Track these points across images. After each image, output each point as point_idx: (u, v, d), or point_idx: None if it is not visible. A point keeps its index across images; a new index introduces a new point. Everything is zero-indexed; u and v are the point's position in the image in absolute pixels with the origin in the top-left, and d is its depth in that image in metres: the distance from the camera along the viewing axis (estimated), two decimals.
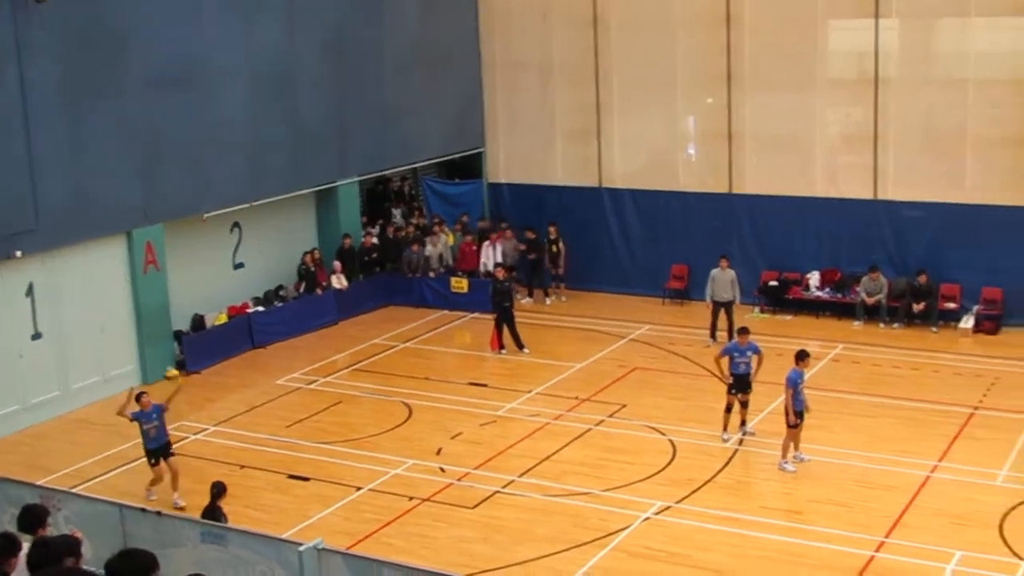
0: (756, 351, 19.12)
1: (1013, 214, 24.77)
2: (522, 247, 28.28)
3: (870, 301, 25.55)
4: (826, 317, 26.02)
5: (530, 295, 28.24)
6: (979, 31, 25.07)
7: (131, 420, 17.48)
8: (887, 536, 15.89)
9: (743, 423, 19.34)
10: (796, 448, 18.24)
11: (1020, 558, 15.11)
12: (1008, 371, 22.43)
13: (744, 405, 19.24)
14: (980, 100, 25.03)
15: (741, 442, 19.08)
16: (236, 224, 25.64)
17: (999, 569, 14.89)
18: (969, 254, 25.23)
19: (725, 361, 19.30)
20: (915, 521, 16.32)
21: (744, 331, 19.40)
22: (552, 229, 28.13)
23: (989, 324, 24.79)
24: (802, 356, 18.30)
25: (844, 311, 25.90)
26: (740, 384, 19.09)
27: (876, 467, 18.12)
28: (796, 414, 17.94)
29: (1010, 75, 24.65)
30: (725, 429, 19.18)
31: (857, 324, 25.55)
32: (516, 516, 16.91)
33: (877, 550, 15.52)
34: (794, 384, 17.96)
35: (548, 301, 28.11)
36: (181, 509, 16.46)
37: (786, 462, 18.14)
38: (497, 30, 29.72)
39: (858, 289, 25.78)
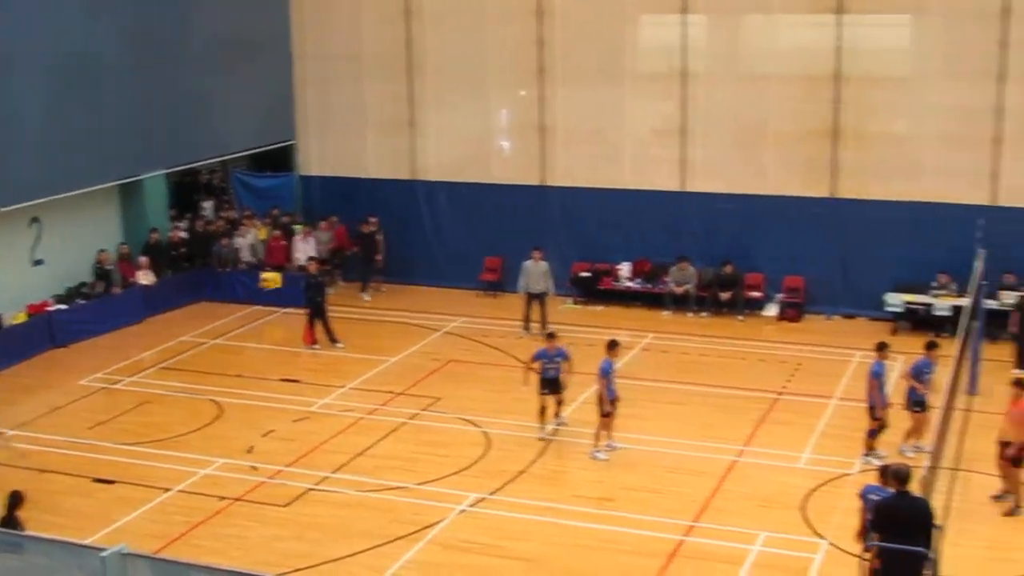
0: (565, 357, 19.08)
1: (812, 205, 25.67)
2: (354, 248, 28.10)
3: (679, 291, 26.14)
4: (636, 307, 26.52)
5: (363, 289, 27.97)
6: (781, 28, 25.88)
7: None
8: (696, 520, 16.24)
9: (557, 414, 19.45)
10: (609, 437, 18.49)
11: (821, 537, 15.63)
12: (810, 357, 23.23)
13: (559, 403, 19.34)
14: (781, 95, 25.82)
15: (555, 432, 19.22)
16: (35, 219, 24.63)
17: (801, 548, 15.38)
18: (772, 244, 26.07)
19: (537, 366, 19.12)
20: (723, 504, 16.74)
21: (552, 336, 19.38)
22: (374, 221, 27.91)
23: (792, 312, 25.66)
24: (613, 345, 18.57)
25: (654, 301, 26.44)
26: (551, 386, 19.06)
27: (686, 453, 18.51)
28: (609, 403, 18.19)
29: (809, 71, 25.45)
30: (543, 428, 19.19)
31: (666, 313, 26.13)
32: (330, 513, 16.69)
33: (687, 534, 15.85)
34: (606, 373, 18.20)
35: (364, 295, 27.86)
36: None
37: (598, 451, 18.37)
38: (308, 20, 29.27)
39: (667, 279, 26.36)
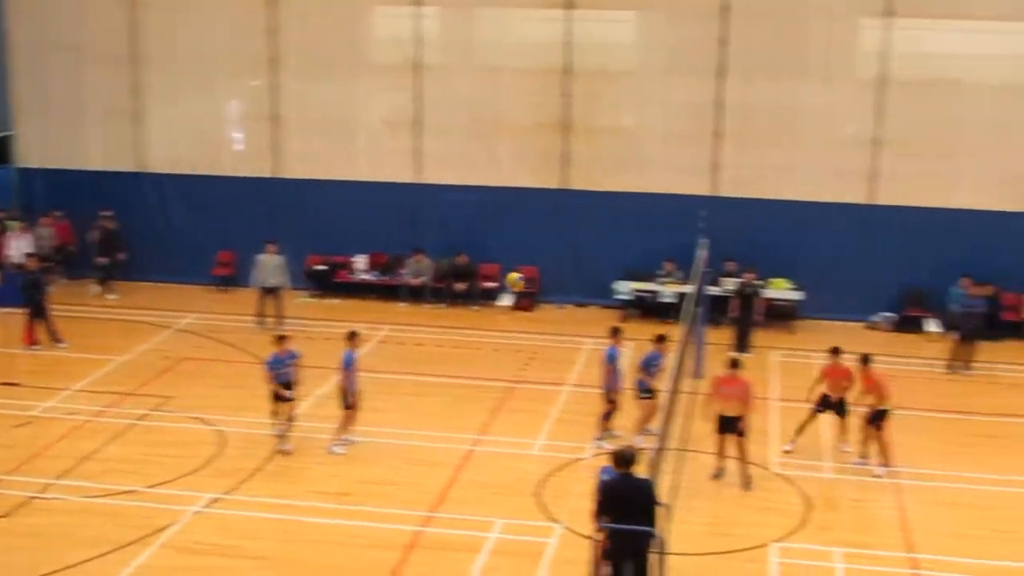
0: (296, 358, 18.36)
1: (545, 196, 26.25)
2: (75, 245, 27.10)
3: (415, 282, 26.24)
4: (373, 299, 26.49)
5: (104, 285, 26.80)
6: (513, 22, 26.32)
7: None
8: (433, 510, 16.30)
9: (290, 419, 18.73)
10: (350, 430, 18.30)
11: (556, 521, 15.95)
12: (544, 346, 23.71)
13: (291, 413, 18.58)
14: (514, 88, 26.27)
15: (290, 428, 18.80)
16: None
17: (536, 533, 15.65)
18: (506, 235, 26.50)
19: (271, 376, 18.26)
20: (460, 494, 16.87)
21: (282, 339, 18.54)
22: (110, 215, 26.83)
23: (526, 301, 26.14)
24: (352, 336, 18.40)
25: (390, 293, 26.48)
26: (285, 390, 18.32)
27: (423, 444, 18.57)
28: (351, 394, 18.05)
29: (540, 65, 25.98)
30: (282, 440, 18.42)
31: (403, 305, 26.22)
32: (55, 521, 15.90)
33: (424, 525, 15.88)
34: (348, 365, 18.05)
35: (109, 295, 26.72)
36: None
37: (336, 444, 18.19)
38: (25, 5, 27.80)
39: (403, 271, 26.43)
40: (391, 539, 15.45)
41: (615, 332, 18.78)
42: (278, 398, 18.24)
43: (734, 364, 17.51)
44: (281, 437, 18.28)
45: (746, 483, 17.22)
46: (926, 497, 17.14)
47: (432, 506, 16.42)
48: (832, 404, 18.40)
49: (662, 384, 17.81)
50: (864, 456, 17.91)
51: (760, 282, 24.24)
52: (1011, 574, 14.90)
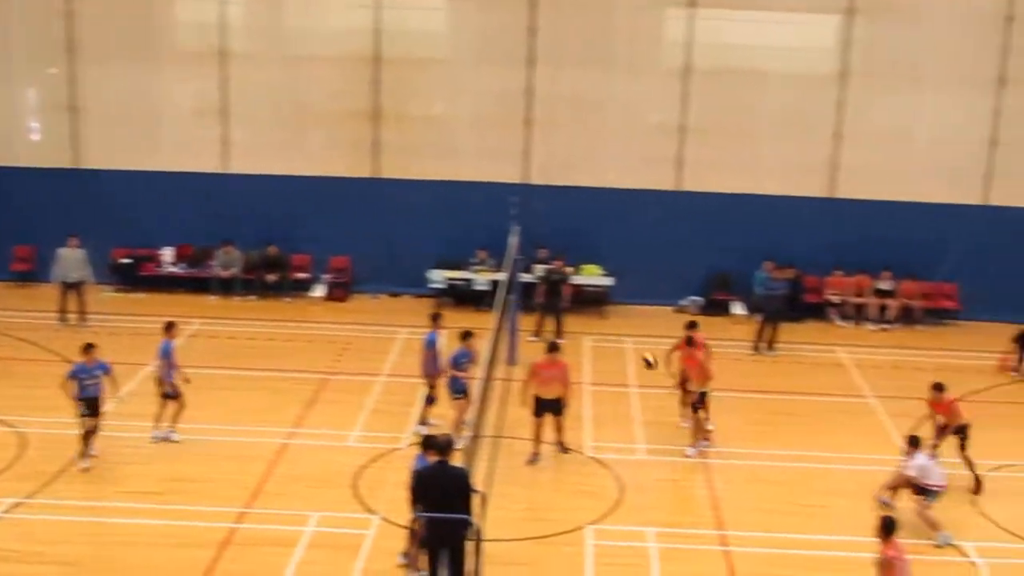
0: (106, 370, 17.31)
1: (357, 185, 26.10)
2: None
3: (225, 275, 25.78)
4: (181, 293, 25.91)
5: None
6: (322, 9, 26.06)
7: None
8: (248, 506, 16.01)
9: (95, 430, 17.79)
10: (157, 426, 17.84)
11: (373, 512, 15.86)
12: (358, 336, 23.59)
13: (95, 428, 17.33)
14: (324, 76, 26.02)
15: (92, 445, 17.83)
16: None
17: (354, 525, 15.53)
18: (317, 225, 26.22)
19: (72, 385, 17.08)
20: (275, 488, 16.62)
21: (90, 348, 17.40)
22: None
23: (339, 292, 25.97)
24: (170, 327, 18.05)
25: (199, 286, 25.98)
26: (91, 408, 17.11)
27: (237, 439, 18.23)
28: (170, 384, 17.71)
29: (350, 52, 25.80)
30: (85, 455, 17.25)
31: (213, 298, 25.76)
32: None
33: (239, 521, 15.58)
34: (166, 354, 17.71)
35: None
36: None
37: (171, 431, 17.90)
38: None
39: (212, 263, 25.94)
40: (205, 537, 15.10)
41: (435, 318, 18.76)
42: (83, 413, 17.01)
43: (553, 347, 17.71)
44: (83, 454, 17.14)
45: (563, 450, 17.78)
46: (733, 475, 17.66)
47: (247, 502, 16.12)
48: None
49: (475, 373, 17.83)
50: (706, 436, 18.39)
51: (569, 268, 24.57)
52: (810, 546, 15.45)
